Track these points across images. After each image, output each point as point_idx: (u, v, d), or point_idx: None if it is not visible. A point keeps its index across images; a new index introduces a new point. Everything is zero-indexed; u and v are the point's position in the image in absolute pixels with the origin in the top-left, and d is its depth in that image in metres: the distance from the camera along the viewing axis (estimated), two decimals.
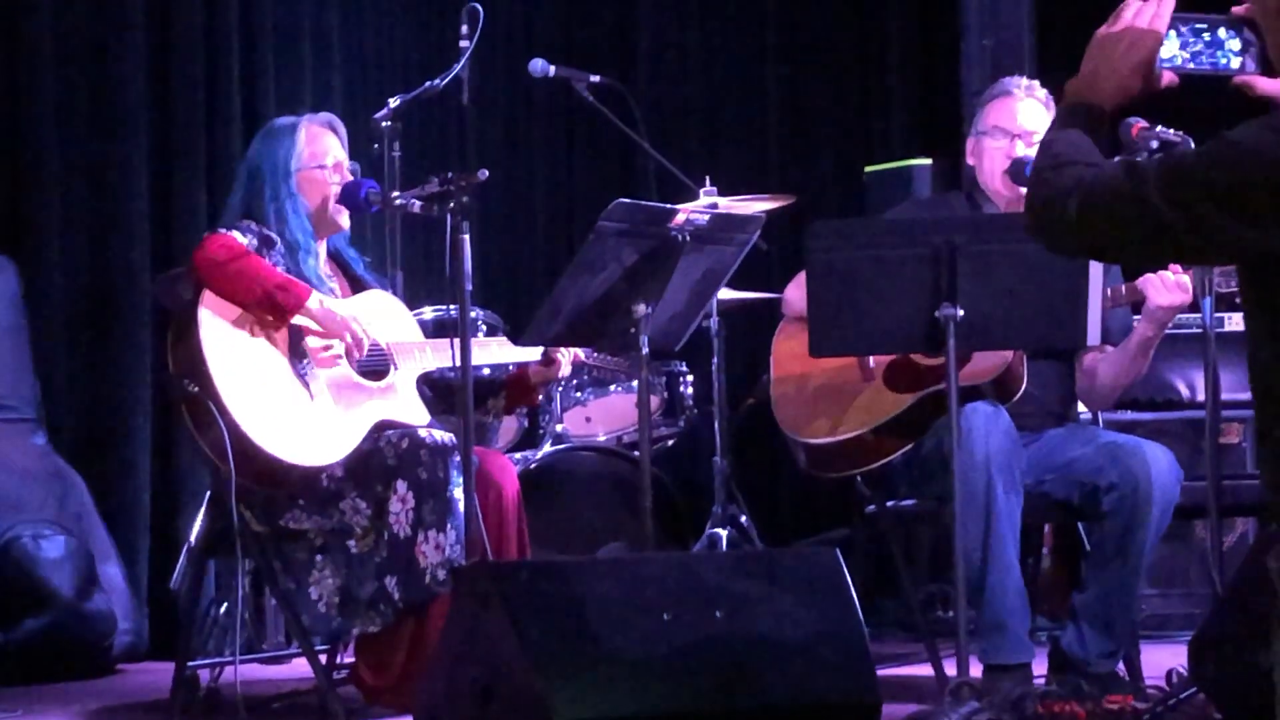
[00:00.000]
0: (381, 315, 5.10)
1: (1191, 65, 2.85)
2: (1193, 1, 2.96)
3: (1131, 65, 2.80)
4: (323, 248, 5.13)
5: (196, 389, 4.75)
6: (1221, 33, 2.85)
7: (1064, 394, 5.25)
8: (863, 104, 8.29)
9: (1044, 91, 5.21)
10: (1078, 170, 2.68)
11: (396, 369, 5.03)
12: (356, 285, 5.19)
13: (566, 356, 5.22)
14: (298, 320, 4.86)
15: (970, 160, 5.27)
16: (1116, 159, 2.68)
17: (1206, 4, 2.97)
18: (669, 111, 8.06)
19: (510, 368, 5.30)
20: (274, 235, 4.98)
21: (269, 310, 4.82)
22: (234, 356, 4.81)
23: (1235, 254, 2.60)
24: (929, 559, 6.85)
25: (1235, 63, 2.86)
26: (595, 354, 5.60)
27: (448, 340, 4.90)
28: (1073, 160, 2.69)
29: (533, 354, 5.20)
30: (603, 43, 8.11)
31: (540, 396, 5.72)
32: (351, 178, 5.10)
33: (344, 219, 5.09)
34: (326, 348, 4.90)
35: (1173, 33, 2.84)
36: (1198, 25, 2.86)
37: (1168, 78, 2.83)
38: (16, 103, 6.53)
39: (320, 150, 5.08)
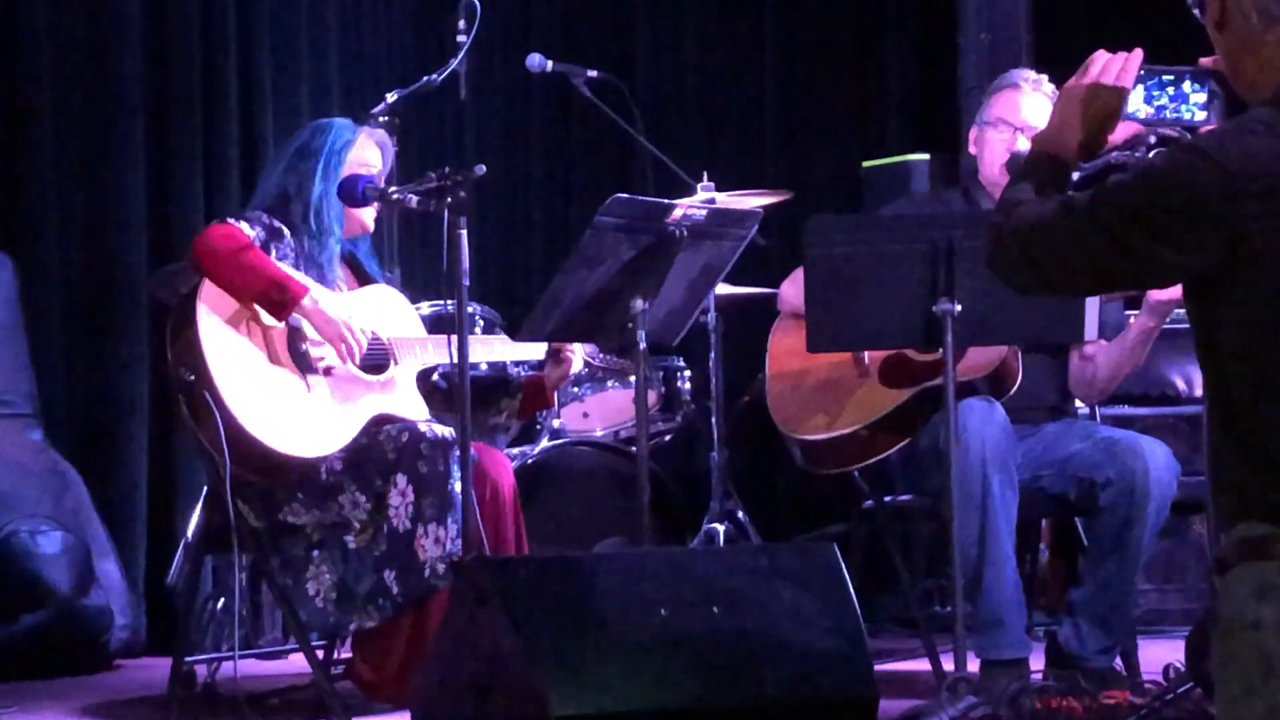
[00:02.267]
0: (383, 309, 5.11)
1: (1156, 118, 2.89)
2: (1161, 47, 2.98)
3: (1096, 121, 2.86)
4: (337, 245, 5.13)
5: (193, 379, 4.76)
6: (1187, 86, 2.90)
7: (1059, 388, 5.25)
8: (860, 99, 8.29)
9: (1051, 86, 5.18)
10: (1023, 211, 2.74)
11: (397, 364, 5.03)
12: (364, 281, 5.19)
13: (579, 352, 5.23)
14: (295, 318, 4.86)
15: (972, 149, 5.26)
16: (1056, 198, 2.75)
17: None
18: (666, 106, 8.05)
19: (522, 371, 5.31)
20: (283, 227, 4.98)
21: (264, 305, 4.83)
22: (232, 349, 4.81)
23: (1166, 277, 2.68)
24: (926, 554, 6.85)
25: (1200, 115, 2.90)
26: (601, 355, 5.60)
27: (448, 336, 4.91)
28: (1020, 202, 2.77)
29: (534, 351, 5.20)
30: (600, 38, 8.11)
31: (555, 400, 5.72)
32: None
33: (369, 219, 5.10)
34: (319, 357, 4.89)
35: (1140, 85, 2.87)
36: (1164, 77, 2.91)
37: (1134, 127, 2.90)
38: (13, 99, 6.52)
39: (369, 159, 5.09)
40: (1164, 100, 2.94)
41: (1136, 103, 2.92)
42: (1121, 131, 2.90)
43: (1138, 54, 2.88)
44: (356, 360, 4.90)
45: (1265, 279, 2.56)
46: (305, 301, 4.83)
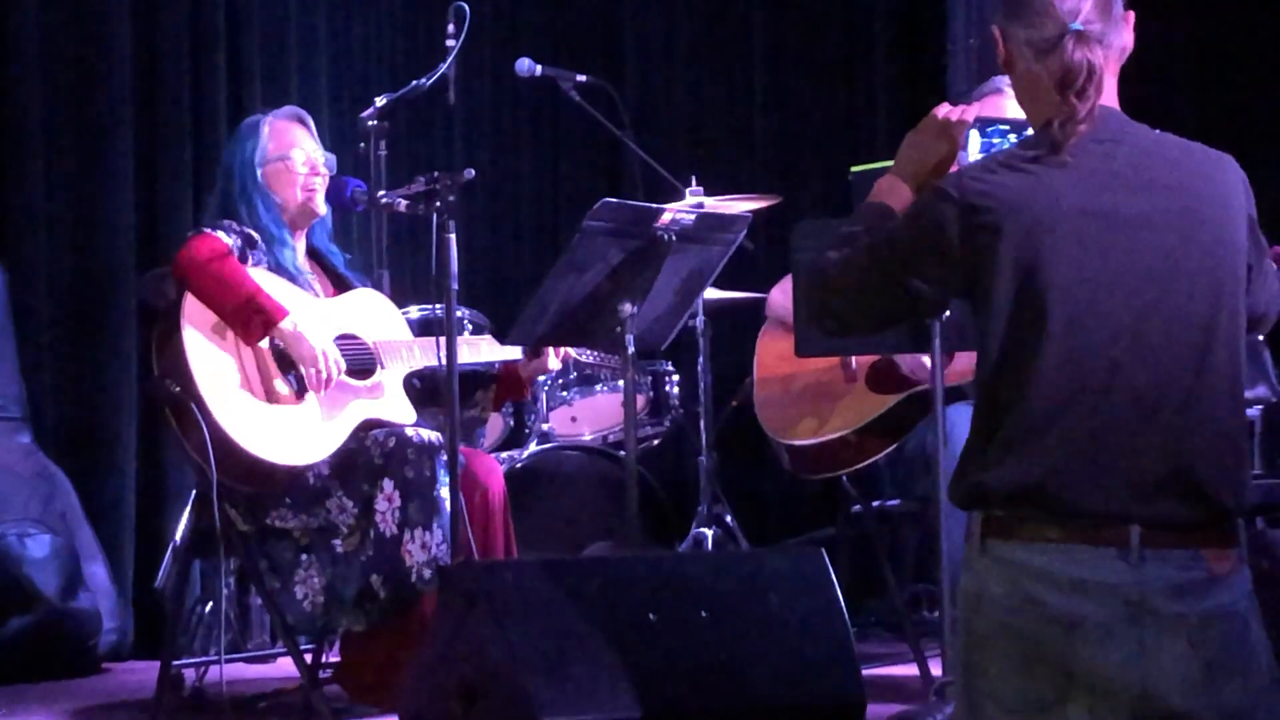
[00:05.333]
0: (369, 314, 5.11)
1: None
2: None
3: (931, 165, 3.09)
4: (301, 243, 5.14)
5: (179, 390, 4.76)
6: (1029, 132, 3.08)
7: None
8: (849, 104, 8.29)
9: None
10: (823, 260, 2.99)
11: (383, 368, 5.03)
12: (339, 283, 5.19)
13: (554, 350, 5.23)
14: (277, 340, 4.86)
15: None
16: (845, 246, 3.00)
17: None
18: (655, 111, 8.06)
19: (497, 364, 5.31)
20: (255, 234, 4.99)
21: (242, 321, 4.81)
22: (216, 357, 4.81)
23: (931, 306, 2.93)
24: (914, 559, 6.85)
25: None
26: (588, 352, 5.59)
27: (434, 339, 4.92)
28: (828, 259, 2.98)
29: (519, 352, 5.20)
30: (589, 42, 8.11)
31: (529, 392, 5.72)
32: (323, 170, 5.10)
33: (318, 205, 5.10)
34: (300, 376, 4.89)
35: (975, 133, 3.18)
36: (1001, 126, 3.20)
37: None
38: (1, 105, 6.51)
39: (285, 143, 5.10)
40: (1005, 147, 3.11)
41: (974, 149, 3.11)
42: None
43: (974, 107, 3.17)
44: (326, 389, 4.88)
45: (988, 303, 2.80)
46: (285, 325, 4.83)
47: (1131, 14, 2.92)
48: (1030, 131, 3.09)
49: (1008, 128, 3.14)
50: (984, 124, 3.15)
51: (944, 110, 3.12)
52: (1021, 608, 2.73)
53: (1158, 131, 2.88)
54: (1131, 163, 2.82)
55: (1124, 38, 2.91)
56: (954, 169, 3.07)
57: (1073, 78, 2.81)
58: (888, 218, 3.00)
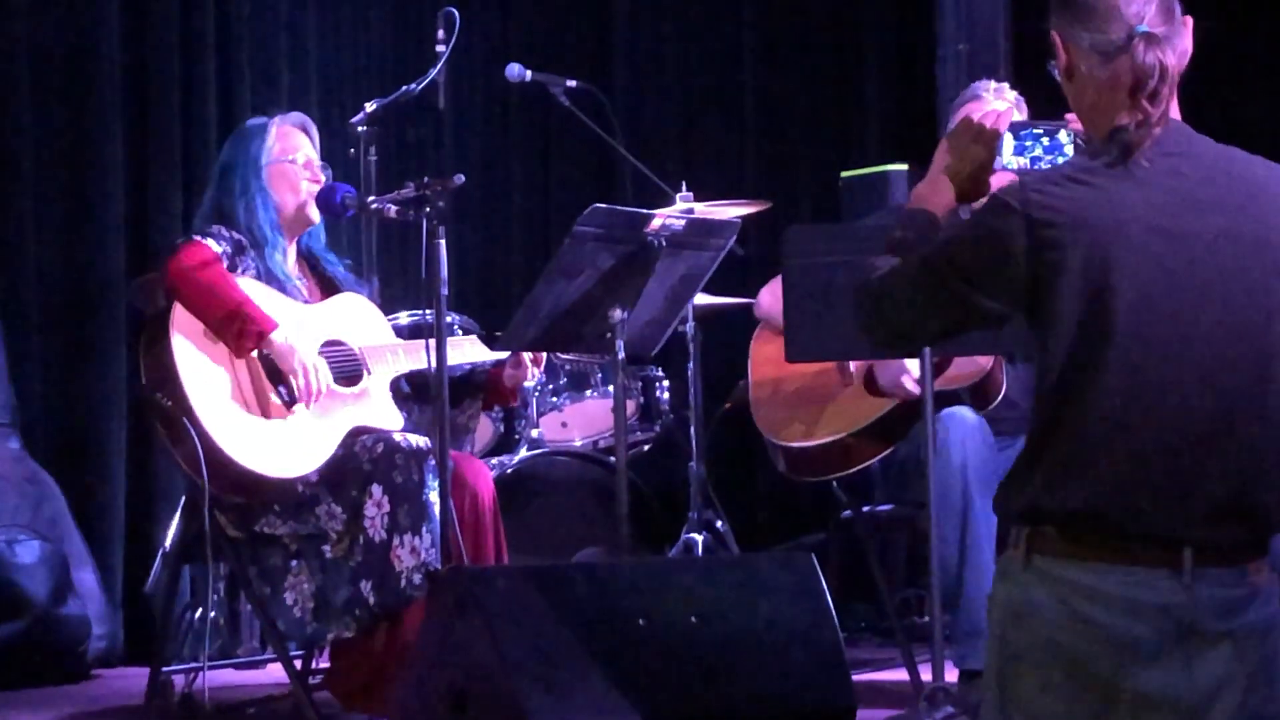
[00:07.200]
0: (354, 319, 5.10)
1: (1031, 169, 3.12)
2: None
3: (967, 173, 3.06)
4: (292, 249, 5.13)
5: (169, 403, 4.74)
6: (1062, 136, 3.09)
7: None
8: (839, 109, 8.30)
9: (1014, 94, 5.21)
10: (878, 268, 2.96)
11: (370, 374, 5.02)
12: (328, 287, 5.18)
13: (528, 359, 5.22)
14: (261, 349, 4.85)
15: None
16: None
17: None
18: (645, 116, 8.06)
19: (485, 367, 5.30)
20: (245, 240, 4.98)
21: (230, 332, 4.79)
22: (206, 367, 4.80)
23: (989, 319, 2.88)
24: (905, 564, 6.85)
25: None
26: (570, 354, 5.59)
27: (420, 341, 4.92)
28: (875, 266, 2.97)
29: (504, 353, 5.19)
30: (579, 47, 8.11)
31: (517, 398, 5.72)
32: (322, 178, 5.10)
33: (313, 212, 5.09)
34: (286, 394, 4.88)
35: (1009, 137, 3.12)
36: (1035, 130, 3.15)
37: (1009, 177, 3.02)
38: None
39: (290, 146, 5.10)
40: (1038, 151, 3.09)
41: (1008, 153, 3.09)
42: (996, 182, 3.03)
43: (1009, 111, 3.06)
44: (311, 402, 4.86)
45: (1051, 319, 2.76)
46: (275, 336, 4.81)
47: (1190, 19, 2.87)
48: (1063, 135, 3.06)
49: (1041, 131, 3.11)
50: (1017, 128, 3.12)
51: (978, 115, 3.09)
52: (1070, 625, 2.71)
53: (1221, 144, 2.84)
54: (1198, 178, 2.77)
55: (1184, 42, 2.85)
56: (1000, 175, 3.04)
57: (1145, 80, 2.77)
58: (933, 225, 2.97)
